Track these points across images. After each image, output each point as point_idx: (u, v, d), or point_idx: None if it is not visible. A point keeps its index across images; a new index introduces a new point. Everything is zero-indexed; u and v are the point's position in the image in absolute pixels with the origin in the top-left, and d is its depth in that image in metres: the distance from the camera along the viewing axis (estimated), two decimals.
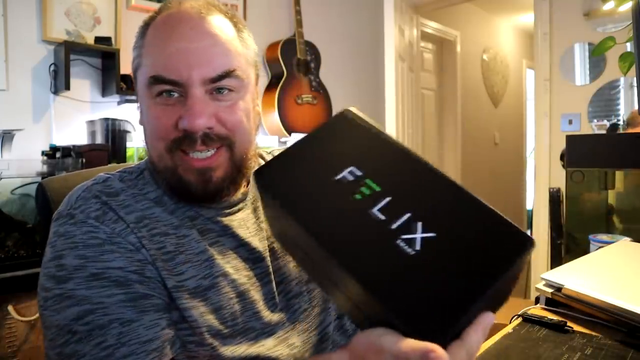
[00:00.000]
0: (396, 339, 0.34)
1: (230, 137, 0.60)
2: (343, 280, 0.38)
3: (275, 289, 0.64)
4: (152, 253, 0.57)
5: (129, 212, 0.58)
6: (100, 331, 0.50)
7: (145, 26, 0.62)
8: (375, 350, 0.35)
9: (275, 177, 0.45)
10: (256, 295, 0.62)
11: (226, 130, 0.60)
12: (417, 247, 0.37)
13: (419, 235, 0.38)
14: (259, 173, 0.46)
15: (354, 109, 0.48)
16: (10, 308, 1.44)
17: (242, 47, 0.62)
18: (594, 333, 0.71)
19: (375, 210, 0.40)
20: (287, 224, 0.44)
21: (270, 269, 0.65)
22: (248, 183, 0.69)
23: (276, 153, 0.82)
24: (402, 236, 0.38)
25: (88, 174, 0.78)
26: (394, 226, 0.39)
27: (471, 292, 0.35)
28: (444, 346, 0.34)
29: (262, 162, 0.75)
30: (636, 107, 2.29)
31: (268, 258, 0.65)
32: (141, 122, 0.64)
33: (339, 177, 0.43)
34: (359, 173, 0.43)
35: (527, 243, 0.38)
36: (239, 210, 0.67)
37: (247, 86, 0.62)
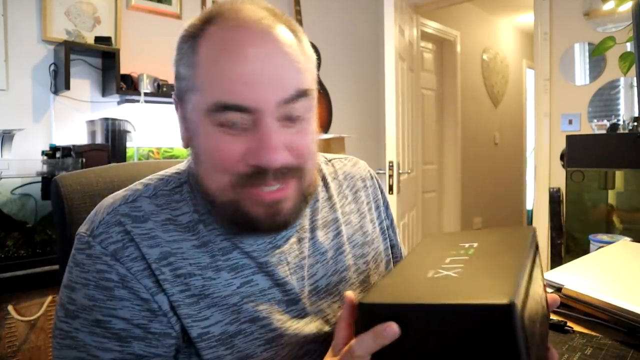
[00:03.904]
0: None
1: (302, 168, 0.55)
2: None
3: (313, 331, 0.59)
4: (174, 298, 0.53)
5: (154, 245, 0.54)
6: None
7: (193, 39, 0.53)
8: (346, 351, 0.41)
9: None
10: (290, 339, 0.58)
11: (297, 160, 0.54)
12: None
13: None
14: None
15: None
16: (10, 308, 1.44)
17: (306, 60, 0.55)
18: (594, 333, 0.71)
19: None
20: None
21: (307, 311, 0.60)
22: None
23: (331, 158, 0.74)
24: None
25: (102, 172, 0.77)
26: None
27: None
28: None
29: (323, 170, 0.70)
30: (636, 107, 2.29)
31: (304, 300, 0.60)
32: (191, 146, 0.57)
33: None
34: None
35: (509, 309, 0.34)
36: (285, 242, 0.60)
37: (315, 105, 0.57)
